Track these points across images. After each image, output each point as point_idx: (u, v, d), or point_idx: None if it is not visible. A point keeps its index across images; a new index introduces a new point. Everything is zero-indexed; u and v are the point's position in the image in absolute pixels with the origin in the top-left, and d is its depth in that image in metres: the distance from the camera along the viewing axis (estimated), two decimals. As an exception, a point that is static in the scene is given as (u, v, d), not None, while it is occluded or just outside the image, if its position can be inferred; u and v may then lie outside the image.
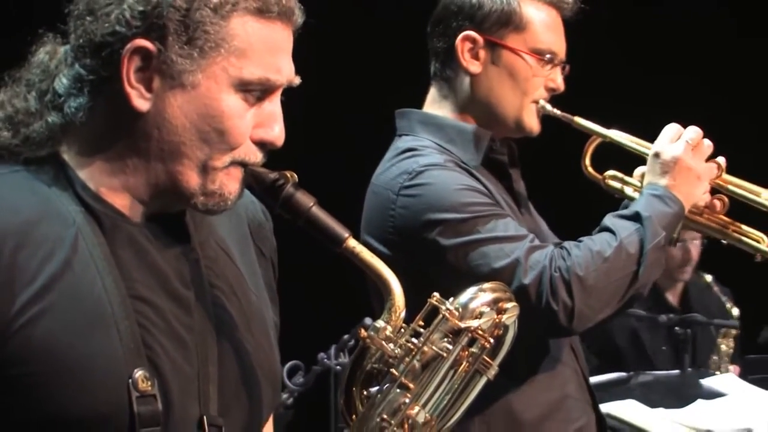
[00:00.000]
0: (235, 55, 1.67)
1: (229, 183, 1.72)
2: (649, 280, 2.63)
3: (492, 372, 1.78)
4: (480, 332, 1.77)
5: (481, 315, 1.78)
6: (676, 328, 4.61)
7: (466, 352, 1.77)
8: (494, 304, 1.80)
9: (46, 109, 1.71)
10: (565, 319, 2.52)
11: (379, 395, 1.75)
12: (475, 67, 2.73)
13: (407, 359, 1.74)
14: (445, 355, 1.75)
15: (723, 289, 5.21)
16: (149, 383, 1.64)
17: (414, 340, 1.76)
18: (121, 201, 1.71)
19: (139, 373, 1.64)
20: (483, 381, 1.79)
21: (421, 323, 1.76)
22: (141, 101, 1.67)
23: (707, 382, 4.14)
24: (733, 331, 5.13)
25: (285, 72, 1.71)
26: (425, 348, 1.74)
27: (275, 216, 1.84)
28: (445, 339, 1.76)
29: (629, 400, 3.79)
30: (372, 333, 1.73)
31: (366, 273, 1.76)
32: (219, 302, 1.77)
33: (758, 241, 2.82)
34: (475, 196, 2.61)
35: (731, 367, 5.04)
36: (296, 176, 1.73)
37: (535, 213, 2.87)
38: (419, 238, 2.57)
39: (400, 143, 2.75)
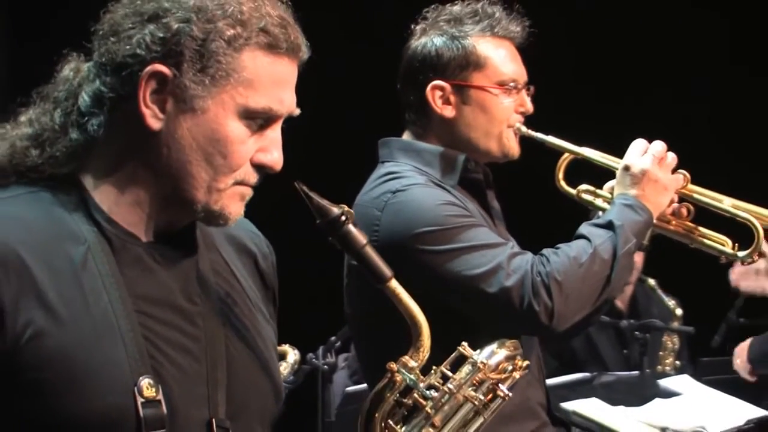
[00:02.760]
0: (243, 85, 1.71)
1: (231, 204, 1.75)
2: (621, 283, 2.69)
3: (489, 415, 1.85)
4: (500, 387, 1.85)
5: (504, 370, 1.86)
6: (636, 332, 4.73)
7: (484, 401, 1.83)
8: (512, 360, 1.87)
9: (71, 126, 1.74)
10: (545, 319, 2.56)
11: (406, 428, 1.83)
12: (449, 111, 2.78)
13: (441, 401, 1.81)
14: (476, 403, 1.82)
15: (666, 292, 5.31)
16: (154, 390, 1.67)
17: (448, 385, 1.81)
18: (131, 218, 1.75)
19: (144, 381, 1.67)
20: (480, 421, 1.86)
21: (448, 367, 1.84)
22: (154, 121, 1.70)
23: (664, 383, 4.24)
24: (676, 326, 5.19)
25: (287, 103, 1.75)
26: (458, 394, 1.82)
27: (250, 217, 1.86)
28: (471, 387, 1.83)
29: (592, 399, 3.85)
30: (402, 369, 1.79)
31: (400, 311, 1.79)
32: (226, 314, 1.80)
33: (722, 245, 2.89)
34: (454, 210, 2.65)
35: (677, 363, 5.18)
36: (354, 213, 1.78)
37: (507, 233, 2.90)
38: (404, 250, 2.59)
39: (383, 169, 2.79)
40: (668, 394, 4.07)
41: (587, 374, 4.28)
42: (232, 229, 1.84)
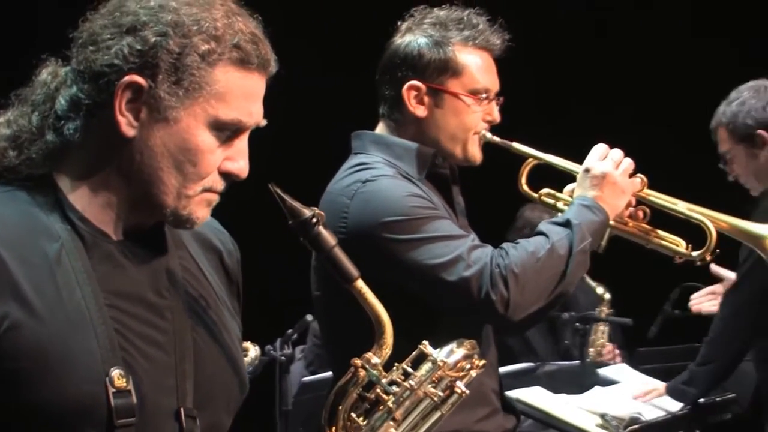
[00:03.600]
0: (215, 98, 1.74)
1: (198, 210, 1.79)
2: (575, 278, 2.74)
3: (446, 411, 1.91)
4: (458, 384, 1.90)
5: (461, 368, 1.91)
6: (577, 324, 4.87)
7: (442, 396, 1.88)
8: (469, 358, 1.92)
9: (48, 129, 1.77)
10: (501, 309, 2.61)
11: (368, 422, 1.87)
12: (421, 111, 2.82)
13: (403, 396, 1.86)
14: (435, 399, 1.88)
15: (596, 280, 5.36)
16: (124, 380, 1.70)
17: (410, 381, 1.85)
18: (103, 218, 1.78)
19: (115, 371, 1.70)
20: (437, 415, 1.91)
21: (410, 364, 1.88)
22: (128, 128, 1.73)
23: (603, 372, 4.36)
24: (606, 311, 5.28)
25: (255, 115, 1.79)
26: (419, 390, 1.87)
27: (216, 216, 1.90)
28: (431, 384, 1.88)
29: (536, 387, 3.93)
30: (365, 365, 1.83)
31: (365, 309, 1.84)
32: (194, 308, 1.84)
33: (676, 245, 2.98)
34: (420, 202, 2.69)
35: (607, 349, 5.28)
36: (324, 215, 1.83)
37: (469, 227, 2.95)
38: (371, 237, 2.63)
39: (354, 160, 2.83)
40: (607, 382, 4.16)
41: (532, 364, 4.39)
42: (199, 227, 1.88)
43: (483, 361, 1.92)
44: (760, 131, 3.78)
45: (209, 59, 1.73)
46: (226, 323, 1.90)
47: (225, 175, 1.78)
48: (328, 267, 1.84)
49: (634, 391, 3.97)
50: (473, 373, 1.91)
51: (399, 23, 2.89)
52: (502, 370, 3.66)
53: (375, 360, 1.82)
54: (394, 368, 1.84)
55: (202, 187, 1.77)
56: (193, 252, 1.90)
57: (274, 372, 4.60)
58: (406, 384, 1.85)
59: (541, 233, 2.75)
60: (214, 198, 1.80)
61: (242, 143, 1.78)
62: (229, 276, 1.97)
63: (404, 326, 1.91)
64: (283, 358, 4.63)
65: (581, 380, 4.18)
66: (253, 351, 4.50)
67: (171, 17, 1.73)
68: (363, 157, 2.84)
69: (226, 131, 1.76)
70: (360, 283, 1.83)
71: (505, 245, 2.69)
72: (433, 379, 1.87)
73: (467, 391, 1.89)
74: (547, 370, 4.33)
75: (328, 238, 1.82)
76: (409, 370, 1.86)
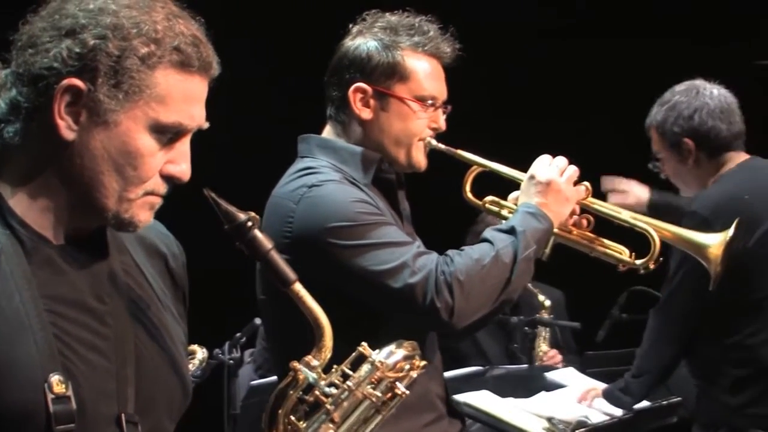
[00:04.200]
0: (155, 101, 1.73)
1: (140, 213, 1.78)
2: (519, 285, 2.74)
3: (388, 413, 1.91)
4: (398, 384, 1.90)
5: (401, 369, 1.91)
6: (526, 328, 4.91)
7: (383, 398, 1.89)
8: (409, 359, 1.93)
9: None
10: (446, 316, 2.60)
11: (307, 425, 1.87)
12: (366, 114, 2.81)
13: (340, 398, 1.86)
14: (373, 400, 1.88)
15: (535, 284, 5.38)
16: (64, 386, 1.68)
17: (348, 382, 1.86)
18: (43, 222, 1.76)
19: (54, 377, 1.68)
20: (379, 418, 1.91)
21: (349, 366, 1.88)
22: (68, 132, 1.72)
23: (551, 375, 4.38)
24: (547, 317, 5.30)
25: (197, 118, 1.78)
26: (356, 391, 1.87)
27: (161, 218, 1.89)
28: (370, 385, 1.88)
29: (483, 391, 3.94)
30: (304, 368, 1.83)
31: (304, 312, 1.84)
32: (136, 314, 1.83)
33: (620, 253, 3.00)
34: (366, 208, 2.69)
35: (550, 353, 5.29)
36: (259, 219, 1.83)
37: (414, 233, 2.95)
38: (316, 242, 2.62)
39: (301, 164, 2.82)
40: (555, 386, 4.19)
41: (480, 368, 4.39)
42: (143, 231, 1.86)
43: (423, 362, 1.93)
44: (686, 140, 3.76)
45: (149, 62, 1.72)
46: (169, 328, 1.89)
47: (167, 179, 1.77)
48: (265, 271, 1.84)
49: (578, 394, 3.98)
50: (414, 374, 1.91)
51: (350, 26, 2.89)
52: (450, 374, 3.80)
53: (314, 362, 1.82)
54: (333, 370, 1.85)
55: (144, 190, 1.75)
56: (136, 256, 1.89)
57: (223, 376, 4.60)
58: (344, 385, 1.85)
59: (486, 240, 2.75)
60: (157, 201, 1.79)
61: (184, 146, 1.77)
62: (174, 280, 1.96)
63: (347, 330, 1.93)
64: (231, 361, 4.62)
65: (529, 384, 4.20)
66: (200, 353, 4.48)
67: (110, 20, 1.71)
68: (309, 161, 2.83)
69: (167, 134, 1.75)
70: (297, 287, 1.83)
71: (450, 252, 2.69)
72: (372, 380, 1.88)
73: (407, 392, 1.89)
74: (495, 374, 4.33)
75: (264, 241, 1.82)
76: (348, 371, 1.87)
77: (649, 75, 4.88)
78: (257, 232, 1.81)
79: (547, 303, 5.32)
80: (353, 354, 1.88)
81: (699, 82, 3.80)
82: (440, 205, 4.03)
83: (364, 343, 1.89)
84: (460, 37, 2.87)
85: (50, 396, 1.66)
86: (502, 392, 3.94)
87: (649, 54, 5.98)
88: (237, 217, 1.80)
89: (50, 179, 1.74)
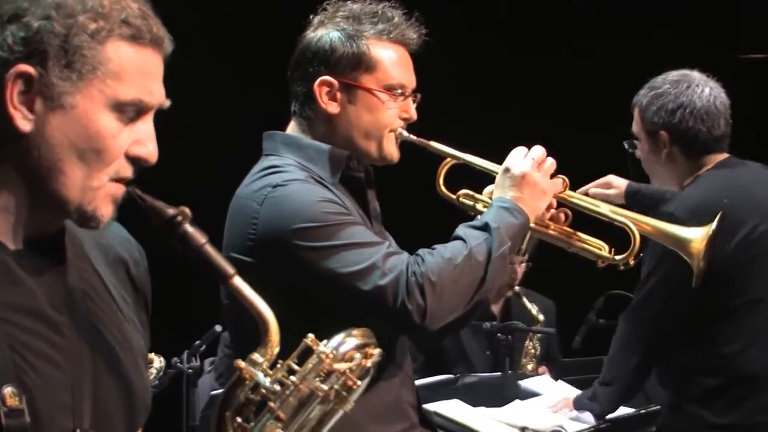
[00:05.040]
0: (110, 77, 1.68)
1: (103, 206, 1.72)
2: (494, 285, 2.68)
3: (348, 407, 1.85)
4: (349, 375, 1.84)
5: (351, 359, 1.85)
6: (498, 334, 4.77)
7: (333, 391, 1.84)
8: (362, 348, 1.87)
9: None
10: (418, 319, 2.56)
11: (254, 425, 1.81)
12: (333, 108, 2.75)
13: (285, 394, 1.80)
14: (320, 394, 1.81)
15: (534, 296, 5.37)
16: (17, 399, 1.63)
17: (292, 377, 1.80)
18: (0, 225, 1.70)
19: (7, 390, 1.63)
20: (339, 413, 1.86)
21: (296, 360, 1.82)
22: (24, 122, 1.66)
23: (525, 384, 4.30)
24: (538, 335, 5.27)
25: (156, 94, 1.73)
26: (301, 386, 1.80)
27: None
28: (318, 378, 1.82)
29: (454, 400, 3.87)
30: (249, 366, 1.78)
31: (246, 307, 1.78)
32: (94, 324, 1.77)
33: (599, 249, 2.94)
34: (333, 207, 2.64)
35: (540, 369, 5.23)
36: (190, 212, 1.76)
37: (386, 233, 2.91)
38: (282, 245, 2.58)
39: (265, 162, 2.77)
40: (529, 394, 4.12)
41: (451, 376, 4.33)
42: (104, 236, 1.81)
43: (378, 350, 1.87)
44: (663, 132, 3.66)
45: (98, 37, 1.67)
46: (129, 339, 1.83)
47: (133, 161, 1.71)
48: (202, 267, 1.77)
49: (552, 403, 3.92)
50: (368, 363, 1.86)
51: (311, 17, 2.83)
52: (420, 382, 3.73)
53: (259, 359, 1.77)
54: (278, 366, 1.79)
55: (108, 175, 1.69)
56: (96, 263, 1.82)
57: (181, 384, 4.52)
58: (288, 381, 1.79)
59: (459, 238, 2.69)
60: (120, 192, 1.73)
61: (147, 125, 1.72)
62: (135, 287, 1.91)
63: (302, 323, 1.90)
64: (190, 371, 4.53)
65: (502, 392, 4.13)
66: (157, 362, 4.39)
67: None
68: (274, 159, 2.76)
69: (127, 113, 1.69)
70: (237, 281, 1.77)
71: (421, 252, 2.64)
72: (320, 373, 1.83)
73: (359, 383, 1.83)
74: (467, 382, 4.27)
75: (197, 235, 1.75)
76: (295, 366, 1.81)
77: (630, 65, 4.84)
78: (188, 227, 1.75)
79: (541, 317, 5.26)
80: (300, 346, 1.84)
81: (694, 75, 3.70)
82: (414, 200, 3.95)
83: (310, 335, 1.84)
84: (427, 21, 2.82)
85: (2, 409, 1.61)
86: (475, 401, 3.88)
87: (629, 44, 5.98)
88: (165, 213, 1.74)
89: (7, 175, 1.68)
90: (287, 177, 2.67)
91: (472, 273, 2.64)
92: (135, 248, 1.93)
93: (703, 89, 3.65)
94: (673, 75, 3.69)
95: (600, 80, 5.87)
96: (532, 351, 5.19)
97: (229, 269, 1.77)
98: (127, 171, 1.72)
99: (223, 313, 2.82)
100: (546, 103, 6.02)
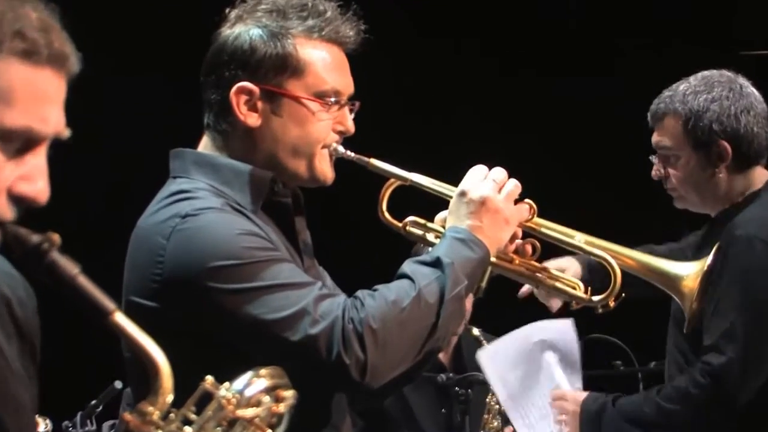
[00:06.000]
0: None
1: None
2: (447, 332, 2.59)
3: None
4: (257, 422, 1.77)
5: (258, 403, 1.78)
6: (456, 388, 4.40)
7: None
8: (272, 391, 1.81)
9: None
10: (357, 374, 2.43)
11: None
12: (253, 119, 2.59)
13: None
14: None
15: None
16: None
17: (187, 428, 1.73)
18: None
19: None
20: None
21: (193, 408, 1.76)
22: None
23: None
24: None
25: (52, 122, 1.62)
26: None
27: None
28: (219, 428, 1.76)
29: None
30: (137, 418, 1.71)
31: (132, 349, 1.72)
32: None
33: (573, 288, 2.80)
34: (255, 242, 2.50)
35: (507, 429, 4.82)
36: (59, 239, 1.67)
37: (320, 267, 2.79)
38: (193, 288, 2.44)
39: (173, 186, 2.62)
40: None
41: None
42: None
43: (291, 392, 1.82)
44: (722, 142, 3.43)
45: None
46: (13, 393, 1.73)
47: (17, 200, 1.62)
48: (76, 302, 1.68)
49: None
50: (280, 408, 1.79)
51: (227, 10, 2.68)
52: None
53: (150, 410, 1.69)
54: (172, 416, 1.72)
55: None
56: None
57: None
58: None
59: (405, 276, 2.56)
60: None
61: (38, 159, 1.63)
62: (20, 331, 1.81)
63: (206, 370, 1.79)
64: None
65: None
66: (43, 426, 4.15)
67: None
68: (183, 182, 2.61)
69: (14, 142, 1.59)
70: (119, 318, 1.69)
71: (360, 294, 2.53)
72: (222, 421, 1.75)
73: (268, 431, 1.78)
74: None
75: (68, 265, 1.67)
76: (192, 416, 1.74)
77: (600, 73, 4.81)
78: (57, 255, 1.65)
79: None
80: (197, 391, 1.76)
81: (730, 74, 3.50)
82: (352, 230, 3.87)
83: (209, 377, 1.77)
84: (366, 16, 2.67)
85: None
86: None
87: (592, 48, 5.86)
88: (29, 240, 1.65)
89: None
90: (199, 205, 2.53)
91: (422, 318, 2.50)
92: (20, 285, 1.84)
93: (753, 89, 3.49)
94: (715, 78, 3.50)
95: (574, 92, 5.70)
96: (497, 407, 4.76)
97: (108, 304, 1.69)
98: (7, 213, 1.63)
99: (125, 367, 2.65)
100: (511, 117, 5.87)
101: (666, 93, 3.51)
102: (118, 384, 4.22)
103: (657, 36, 5.97)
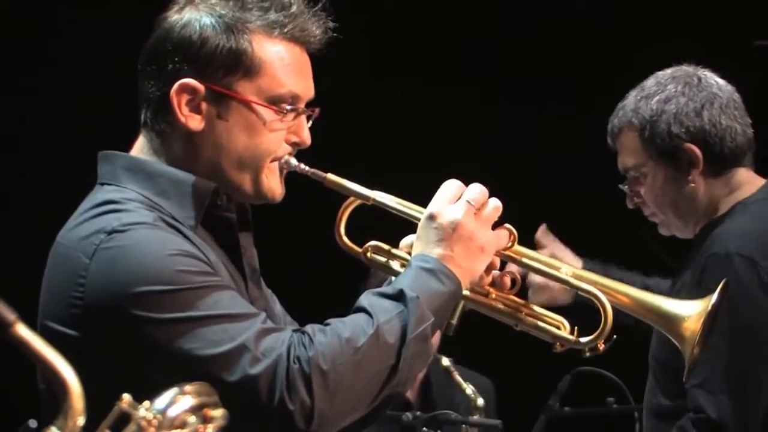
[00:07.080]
0: None
1: None
2: (410, 376, 2.50)
3: None
4: None
5: (183, 424, 1.77)
6: (424, 429, 4.21)
7: None
8: (198, 410, 1.79)
9: None
10: (302, 422, 2.32)
11: None
12: (195, 123, 2.48)
13: None
14: None
15: (465, 374, 4.89)
16: None
17: None
18: None
19: None
20: None
21: (107, 431, 1.78)
22: None
23: None
24: (477, 429, 4.93)
25: None
26: None
27: None
28: None
29: None
30: None
31: (38, 366, 1.73)
32: None
33: (558, 327, 2.66)
34: (191, 264, 2.38)
35: None
36: None
37: (267, 289, 2.70)
38: (117, 315, 2.34)
39: (100, 195, 2.51)
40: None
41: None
42: None
43: (221, 411, 1.80)
44: (688, 145, 3.25)
45: None
46: None
47: None
48: None
49: None
50: (209, 430, 1.77)
51: None
52: None
53: None
54: None
55: None
56: None
57: None
58: None
59: (363, 310, 2.45)
60: None
61: None
62: None
63: (124, 388, 1.78)
64: None
65: None
66: None
67: None
68: (112, 191, 2.51)
69: None
70: (20, 330, 1.66)
71: (309, 329, 2.43)
72: None
73: None
74: None
75: None
76: None
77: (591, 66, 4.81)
78: None
79: (480, 402, 4.70)
80: (113, 411, 1.74)
81: (690, 69, 3.32)
82: (304, 253, 3.79)
83: (126, 395, 1.75)
84: (336, 12, 2.60)
85: None
86: None
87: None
88: None
89: None
90: (128, 219, 2.42)
91: (380, 360, 2.39)
92: None
93: (715, 79, 3.29)
94: (668, 75, 3.31)
95: (554, 104, 5.65)
96: None
97: (8, 314, 1.67)
98: None
99: (40, 402, 2.54)
100: (490, 129, 5.79)
101: (619, 106, 3.38)
102: (33, 423, 4.12)
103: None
